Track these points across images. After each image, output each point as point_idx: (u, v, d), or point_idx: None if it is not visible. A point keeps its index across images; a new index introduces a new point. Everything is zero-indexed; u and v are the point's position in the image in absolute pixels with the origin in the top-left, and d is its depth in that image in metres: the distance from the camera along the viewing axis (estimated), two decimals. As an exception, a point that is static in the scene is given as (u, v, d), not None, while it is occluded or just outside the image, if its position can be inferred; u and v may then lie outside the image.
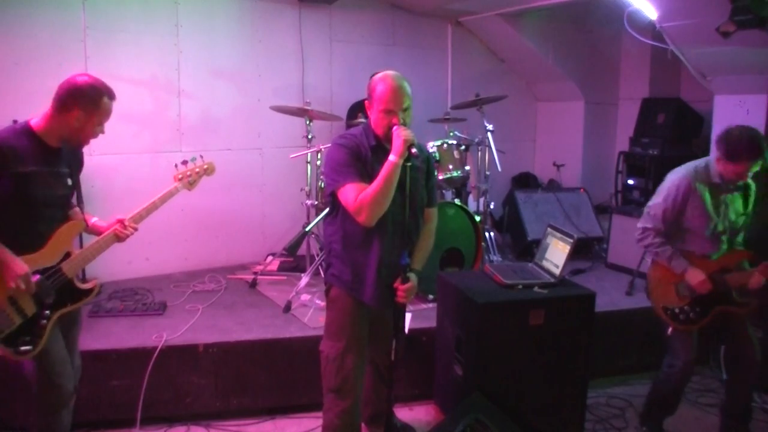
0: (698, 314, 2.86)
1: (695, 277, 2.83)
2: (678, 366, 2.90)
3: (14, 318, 2.20)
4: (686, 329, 2.89)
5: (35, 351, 2.24)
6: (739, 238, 2.98)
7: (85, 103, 2.23)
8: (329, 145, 2.69)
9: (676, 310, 2.89)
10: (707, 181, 2.85)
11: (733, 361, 3.03)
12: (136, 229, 2.48)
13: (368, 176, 2.43)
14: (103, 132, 2.36)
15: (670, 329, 2.93)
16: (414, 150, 2.36)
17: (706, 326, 2.90)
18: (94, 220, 2.53)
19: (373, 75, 2.53)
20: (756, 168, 2.76)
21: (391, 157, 2.35)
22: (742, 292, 2.85)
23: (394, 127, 2.39)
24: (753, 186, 2.96)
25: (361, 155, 2.47)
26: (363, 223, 2.39)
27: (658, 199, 2.93)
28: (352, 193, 2.38)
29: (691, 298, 2.87)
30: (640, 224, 2.99)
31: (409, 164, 2.39)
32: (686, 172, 2.90)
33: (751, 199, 2.96)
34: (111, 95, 2.31)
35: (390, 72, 2.49)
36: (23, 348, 2.21)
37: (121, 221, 2.45)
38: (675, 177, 2.92)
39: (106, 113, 2.31)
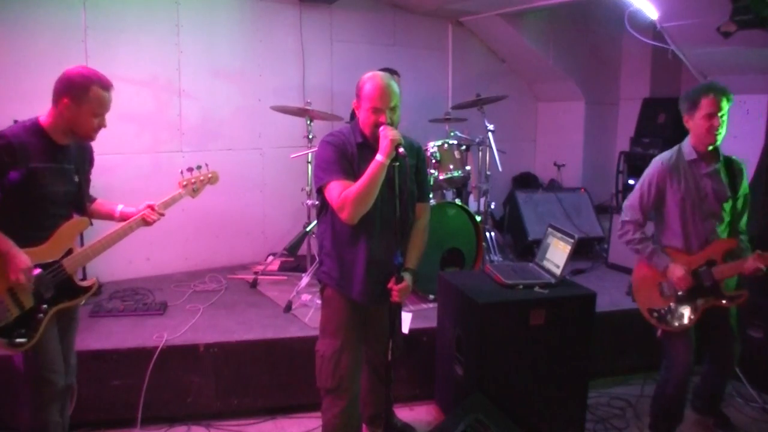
0: (687, 313, 2.78)
1: (675, 272, 2.75)
2: (675, 370, 2.84)
3: (12, 310, 2.21)
4: (676, 330, 2.81)
5: (30, 344, 2.25)
6: (741, 223, 2.89)
7: (73, 92, 2.23)
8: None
9: (663, 311, 2.83)
10: (682, 160, 2.80)
11: (714, 355, 3.01)
12: (162, 215, 2.56)
13: (354, 174, 2.44)
14: (104, 125, 2.33)
15: (659, 332, 2.86)
16: (401, 150, 2.36)
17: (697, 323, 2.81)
18: (120, 208, 2.57)
19: None
20: (724, 106, 2.66)
21: (378, 157, 2.35)
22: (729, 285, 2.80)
23: (381, 127, 2.39)
24: (742, 167, 2.86)
25: (347, 153, 2.48)
26: (345, 221, 2.41)
27: (634, 191, 2.91)
28: (336, 190, 2.40)
29: (677, 297, 2.80)
30: (620, 219, 2.95)
31: (396, 164, 2.39)
32: (660, 159, 2.86)
33: (741, 180, 2.83)
34: (103, 85, 2.28)
35: (378, 71, 2.51)
36: (18, 340, 2.23)
37: (150, 206, 2.53)
38: (650, 167, 2.88)
39: (99, 103, 2.27)
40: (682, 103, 2.79)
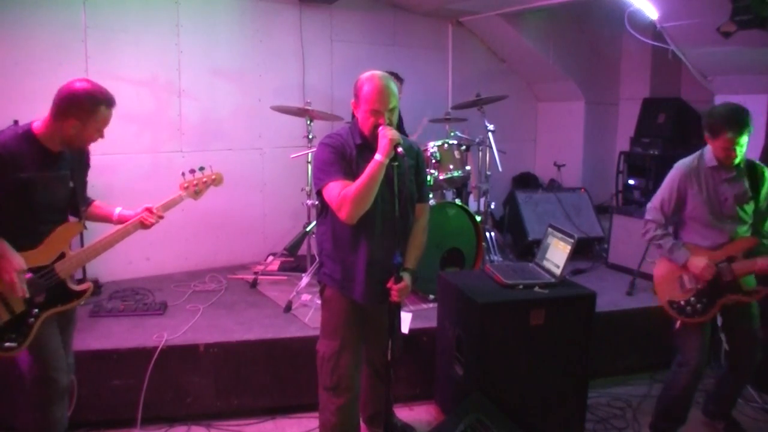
0: (705, 305, 2.83)
1: (697, 264, 2.81)
2: (689, 367, 2.87)
3: (2, 314, 2.21)
4: (694, 322, 2.85)
5: (19, 349, 2.25)
6: (766, 226, 2.94)
7: (81, 113, 2.22)
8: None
9: (682, 303, 2.87)
10: (703, 166, 2.86)
11: (734, 358, 3.03)
12: (161, 217, 2.54)
13: (353, 175, 2.43)
14: (102, 137, 2.35)
15: (678, 323, 2.91)
16: (400, 150, 2.36)
17: (713, 319, 2.87)
18: (118, 210, 2.56)
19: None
20: (742, 140, 2.71)
21: (377, 156, 2.35)
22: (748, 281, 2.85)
23: (380, 127, 2.39)
24: (764, 170, 2.90)
25: (346, 154, 2.48)
26: (344, 220, 2.40)
27: (657, 193, 2.99)
28: (335, 190, 2.40)
29: (696, 290, 2.85)
30: (644, 219, 3.04)
31: (395, 164, 2.39)
32: (682, 163, 2.93)
33: (764, 184, 2.88)
34: (109, 103, 2.28)
35: (376, 72, 2.49)
36: (7, 344, 2.22)
37: (148, 209, 2.50)
38: (672, 170, 2.95)
39: (104, 121, 2.29)
40: (705, 121, 2.82)
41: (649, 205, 3.01)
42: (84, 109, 2.22)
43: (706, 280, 2.81)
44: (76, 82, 2.25)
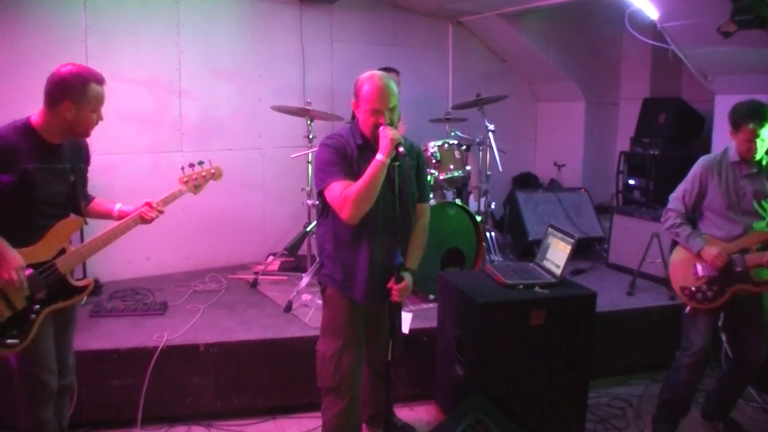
0: (715, 293, 2.89)
1: (710, 252, 2.89)
2: (692, 350, 2.92)
3: (3, 311, 2.20)
4: (703, 308, 2.91)
5: (21, 345, 2.24)
6: None
7: (72, 94, 2.21)
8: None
9: (693, 289, 2.94)
10: (726, 161, 2.95)
11: (740, 354, 3.06)
12: (161, 212, 2.53)
13: (354, 175, 2.43)
14: (101, 119, 2.33)
15: (687, 308, 2.98)
16: (401, 149, 2.36)
17: (723, 307, 2.93)
18: (119, 206, 2.55)
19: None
20: (763, 133, 2.79)
21: (379, 156, 2.35)
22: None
23: (381, 127, 2.39)
24: None
25: (347, 154, 2.48)
26: (346, 220, 2.40)
27: (680, 185, 3.07)
28: (336, 190, 2.40)
29: (708, 278, 2.91)
30: (665, 209, 3.11)
31: (396, 164, 2.39)
32: (705, 157, 3.02)
33: None
34: (98, 80, 2.28)
35: (376, 71, 2.50)
36: (10, 341, 2.22)
37: (148, 203, 2.49)
38: (696, 164, 3.04)
39: (97, 99, 2.28)
40: (729, 116, 2.92)
41: (672, 195, 3.09)
42: (74, 89, 2.22)
43: (718, 267, 2.87)
44: (62, 67, 2.26)
